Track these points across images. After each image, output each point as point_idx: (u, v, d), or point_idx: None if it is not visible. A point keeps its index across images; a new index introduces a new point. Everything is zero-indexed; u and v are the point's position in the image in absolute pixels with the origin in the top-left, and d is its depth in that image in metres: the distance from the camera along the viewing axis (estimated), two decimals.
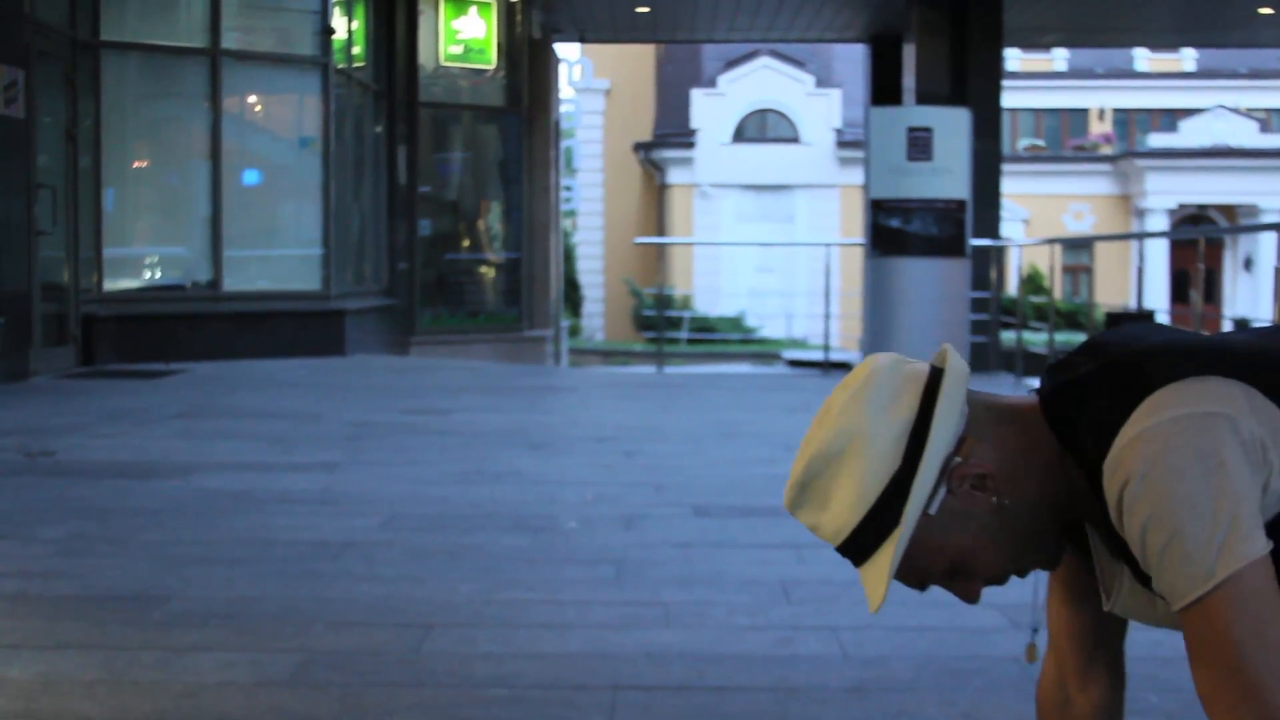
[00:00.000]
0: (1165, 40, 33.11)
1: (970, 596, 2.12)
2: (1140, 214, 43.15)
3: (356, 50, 18.22)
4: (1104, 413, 1.98)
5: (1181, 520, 1.87)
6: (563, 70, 28.50)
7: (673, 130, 42.88)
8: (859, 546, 2.05)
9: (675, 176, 42.60)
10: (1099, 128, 46.87)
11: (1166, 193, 42.81)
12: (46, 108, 13.64)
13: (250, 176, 16.63)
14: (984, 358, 16.64)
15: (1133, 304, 25.46)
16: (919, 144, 15.51)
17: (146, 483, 7.68)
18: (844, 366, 18.02)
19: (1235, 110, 44.62)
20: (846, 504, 2.03)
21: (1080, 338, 17.62)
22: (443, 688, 4.11)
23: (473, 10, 20.66)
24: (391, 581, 5.39)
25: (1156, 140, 44.41)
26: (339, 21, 17.17)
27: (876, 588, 2.04)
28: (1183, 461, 1.88)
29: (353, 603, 5.08)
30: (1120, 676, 2.36)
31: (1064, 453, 2.04)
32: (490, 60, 21.06)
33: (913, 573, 2.08)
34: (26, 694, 4.00)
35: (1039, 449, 2.06)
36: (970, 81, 18.62)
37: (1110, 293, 38.67)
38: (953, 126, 15.80)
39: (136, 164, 16.03)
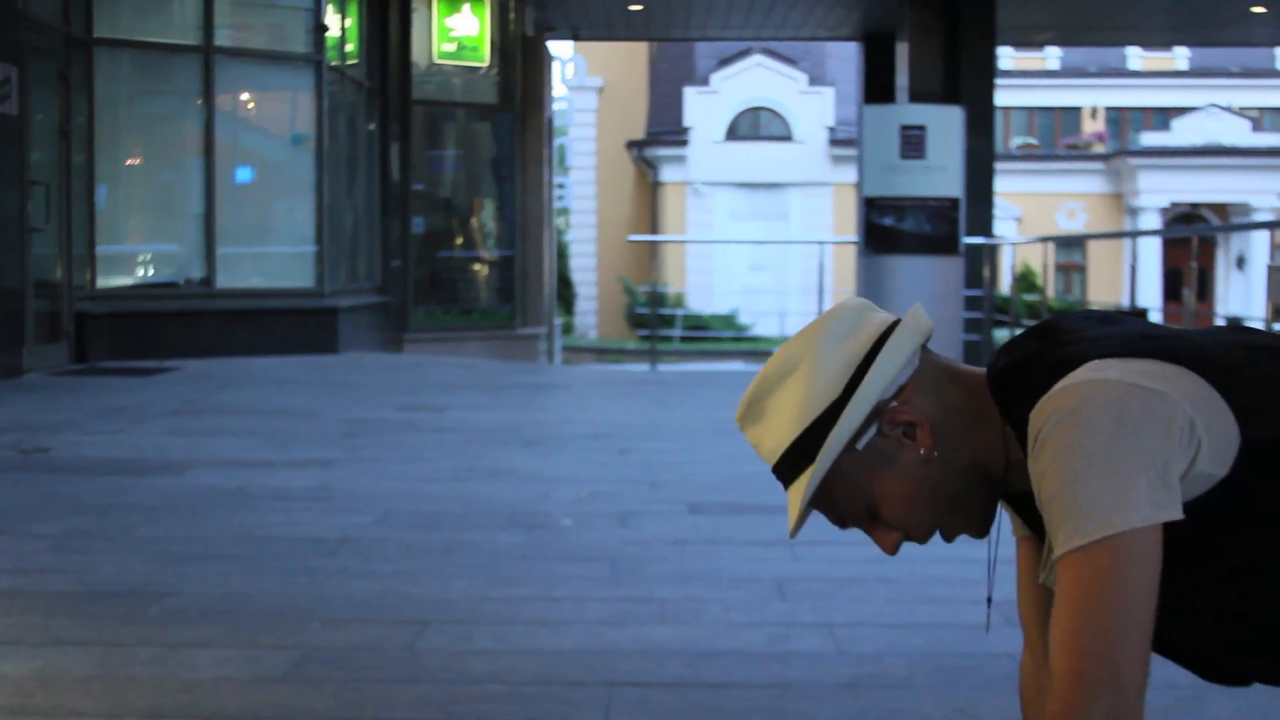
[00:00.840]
0: (1158, 39, 33.13)
1: (888, 546, 2.13)
2: (1133, 212, 43.19)
3: (350, 47, 18.22)
4: (1040, 381, 2.00)
5: (1076, 471, 1.88)
6: (556, 68, 28.55)
7: (666, 128, 42.89)
8: (788, 467, 2.08)
9: (668, 174, 42.61)
10: (1092, 126, 46.90)
11: (1159, 191, 42.85)
12: (40, 104, 13.63)
13: (243, 174, 16.63)
14: (977, 356, 16.64)
15: (1125, 302, 25.47)
16: (912, 142, 15.51)
17: (141, 479, 7.68)
18: None
19: (1228, 109, 44.67)
20: (784, 423, 2.07)
21: None
22: (438, 684, 4.12)
23: (466, 8, 20.66)
24: (387, 578, 5.39)
25: (1149, 139, 44.44)
26: (332, 19, 17.17)
27: (794, 509, 2.08)
28: (1097, 418, 1.89)
29: (348, 599, 5.08)
30: None
31: (1005, 424, 2.06)
32: (483, 58, 21.05)
33: (833, 506, 2.11)
34: (23, 690, 4.00)
35: (980, 416, 2.08)
36: (963, 80, 18.63)
37: (1103, 291, 38.69)
38: (946, 125, 15.80)
39: (130, 161, 16.01)
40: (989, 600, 2.26)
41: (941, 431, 2.07)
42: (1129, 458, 1.87)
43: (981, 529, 2.15)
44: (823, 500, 2.09)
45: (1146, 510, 1.86)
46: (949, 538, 2.16)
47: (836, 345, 2.07)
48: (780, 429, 2.08)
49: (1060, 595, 1.91)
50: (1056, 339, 2.07)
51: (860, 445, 2.05)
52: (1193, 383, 1.95)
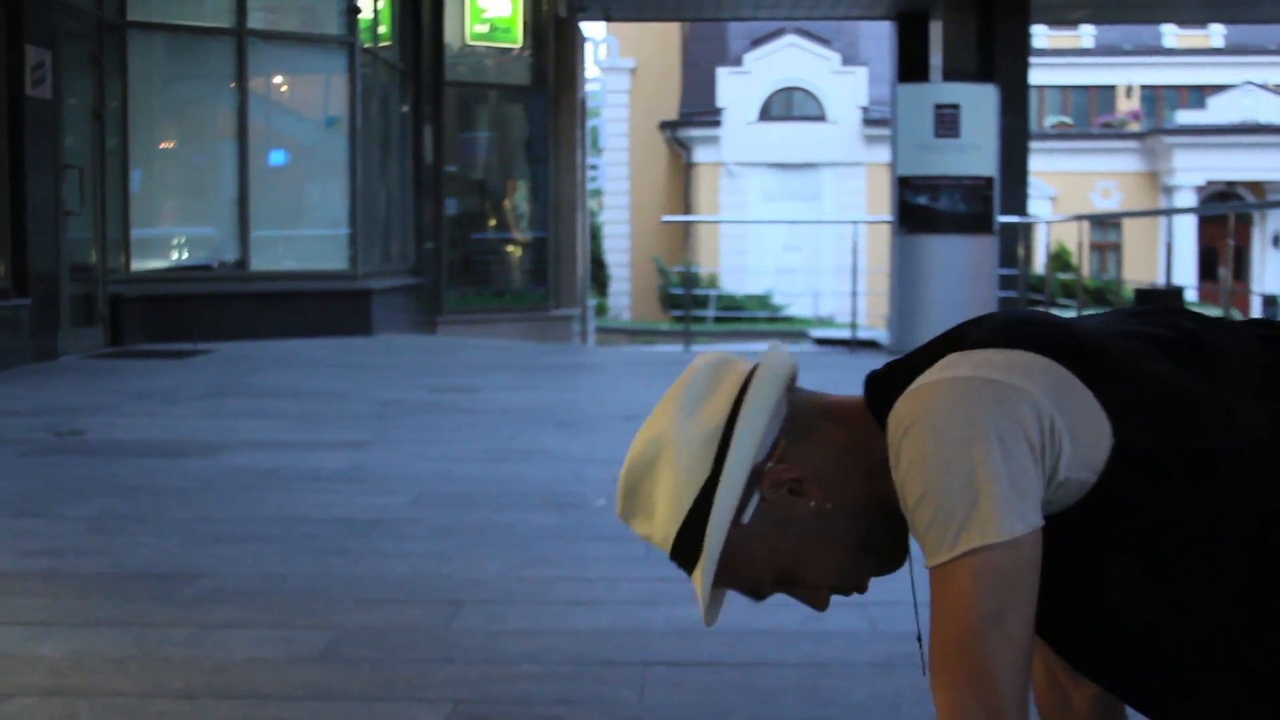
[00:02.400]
0: (1193, 16, 32.97)
1: (817, 604, 2.02)
2: (1168, 191, 42.99)
3: (382, 29, 18.22)
4: (900, 381, 1.88)
5: (933, 482, 1.77)
6: (588, 49, 28.50)
7: (698, 109, 42.84)
8: (684, 557, 1.96)
9: (701, 155, 42.57)
10: (1126, 104, 46.71)
11: (1194, 169, 42.64)
12: (73, 88, 13.67)
13: (276, 156, 16.65)
14: None
15: (1161, 281, 25.38)
16: (946, 121, 15.47)
17: (175, 461, 7.70)
18: (871, 344, 18.02)
19: (1264, 86, 44.42)
20: (665, 514, 1.95)
21: None
22: (473, 664, 4.12)
23: None
24: (420, 559, 5.39)
25: (1184, 117, 44.23)
26: (365, 1, 17.17)
27: (701, 599, 1.97)
28: (947, 423, 1.77)
29: (382, 580, 5.08)
30: None
31: (882, 437, 1.90)
32: (516, 39, 21.05)
33: (743, 582, 1.99)
34: (59, 671, 4.02)
35: (863, 446, 1.94)
36: (997, 58, 18.58)
37: (1138, 270, 38.55)
38: (980, 103, 15.76)
39: (163, 144, 16.05)
40: (919, 639, 2.03)
41: (829, 477, 1.94)
42: (982, 465, 1.75)
43: (896, 562, 2.03)
44: (730, 579, 1.98)
45: (993, 526, 1.74)
46: (869, 579, 2.04)
47: (690, 420, 1.94)
48: (661, 522, 1.96)
49: (934, 614, 1.81)
50: (933, 341, 1.95)
51: (746, 518, 1.93)
52: (1059, 377, 1.81)
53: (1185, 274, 36.86)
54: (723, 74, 42.51)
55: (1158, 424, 1.80)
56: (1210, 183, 43.03)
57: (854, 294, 17.51)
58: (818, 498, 1.93)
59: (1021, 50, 19.25)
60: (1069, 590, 1.85)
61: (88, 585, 5.01)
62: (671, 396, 1.99)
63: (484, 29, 20.67)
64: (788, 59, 42.34)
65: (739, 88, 42.32)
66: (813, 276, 36.11)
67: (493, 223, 21.63)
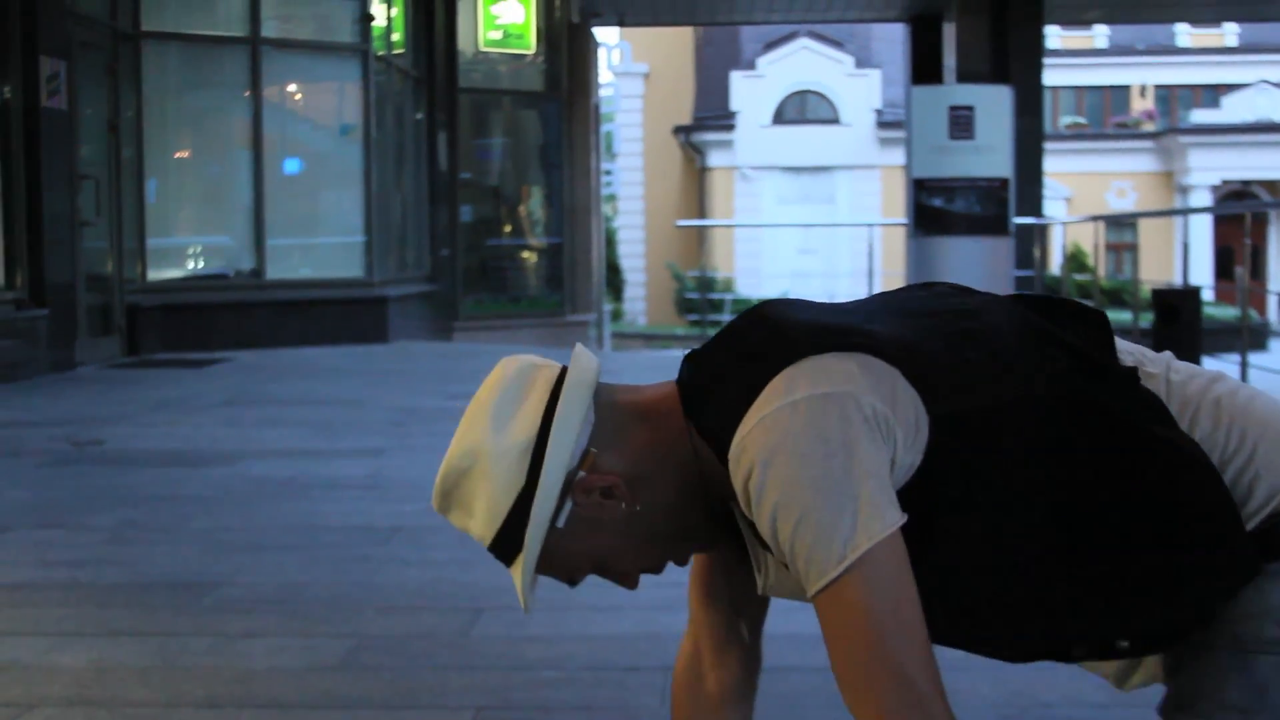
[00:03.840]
0: (1207, 15, 32.92)
1: (628, 585, 2.10)
2: (1183, 190, 42.90)
3: (396, 37, 18.24)
4: (730, 398, 1.94)
5: (806, 505, 1.82)
6: (602, 54, 28.48)
7: (712, 113, 42.81)
8: (502, 554, 2.03)
9: (715, 159, 42.54)
10: (1141, 104, 46.62)
11: (1210, 169, 42.54)
12: (88, 99, 13.70)
13: (291, 165, 16.67)
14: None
15: (1178, 281, 25.33)
16: (961, 123, 15.45)
17: (194, 470, 7.71)
18: None
19: (1278, 85, 44.31)
20: (482, 517, 2.02)
21: (1124, 315, 17.55)
22: (493, 670, 4.12)
23: None
24: (440, 566, 5.40)
25: (1199, 116, 44.13)
26: (378, 8, 17.19)
27: (520, 591, 2.04)
28: (804, 446, 1.84)
29: (402, 587, 5.09)
30: (756, 659, 2.33)
31: (699, 440, 2.00)
32: (529, 45, 21.06)
33: (560, 570, 2.07)
34: (80, 681, 4.02)
35: (672, 445, 2.02)
36: (1011, 59, 18.55)
37: (1154, 270, 38.48)
38: (995, 105, 15.73)
39: (178, 154, 16.08)
40: None
41: (638, 481, 2.01)
42: (845, 477, 1.82)
43: (714, 544, 2.13)
44: (547, 570, 2.06)
45: (876, 524, 1.82)
46: (684, 562, 2.14)
47: (503, 432, 2.01)
48: (479, 522, 2.03)
49: (831, 636, 1.85)
50: (740, 344, 2.01)
51: (561, 523, 2.00)
52: (877, 370, 1.90)
53: (1201, 273, 36.78)
54: (736, 78, 42.47)
55: (957, 391, 1.93)
56: (1225, 182, 42.94)
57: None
58: (628, 500, 2.01)
59: (1035, 51, 19.22)
60: (918, 561, 1.92)
61: (108, 595, 5.02)
62: (483, 403, 2.06)
63: (497, 35, 20.69)
64: (801, 62, 42.29)
65: (753, 91, 42.28)
66: (828, 280, 36.04)
67: (508, 229, 21.64)
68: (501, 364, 2.11)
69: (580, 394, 2.02)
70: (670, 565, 2.12)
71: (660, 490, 2.02)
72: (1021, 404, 1.94)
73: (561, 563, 2.04)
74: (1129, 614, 2.02)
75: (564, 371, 2.06)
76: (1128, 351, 2.09)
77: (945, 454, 1.91)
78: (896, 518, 1.84)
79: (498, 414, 2.03)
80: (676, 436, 2.02)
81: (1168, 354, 2.14)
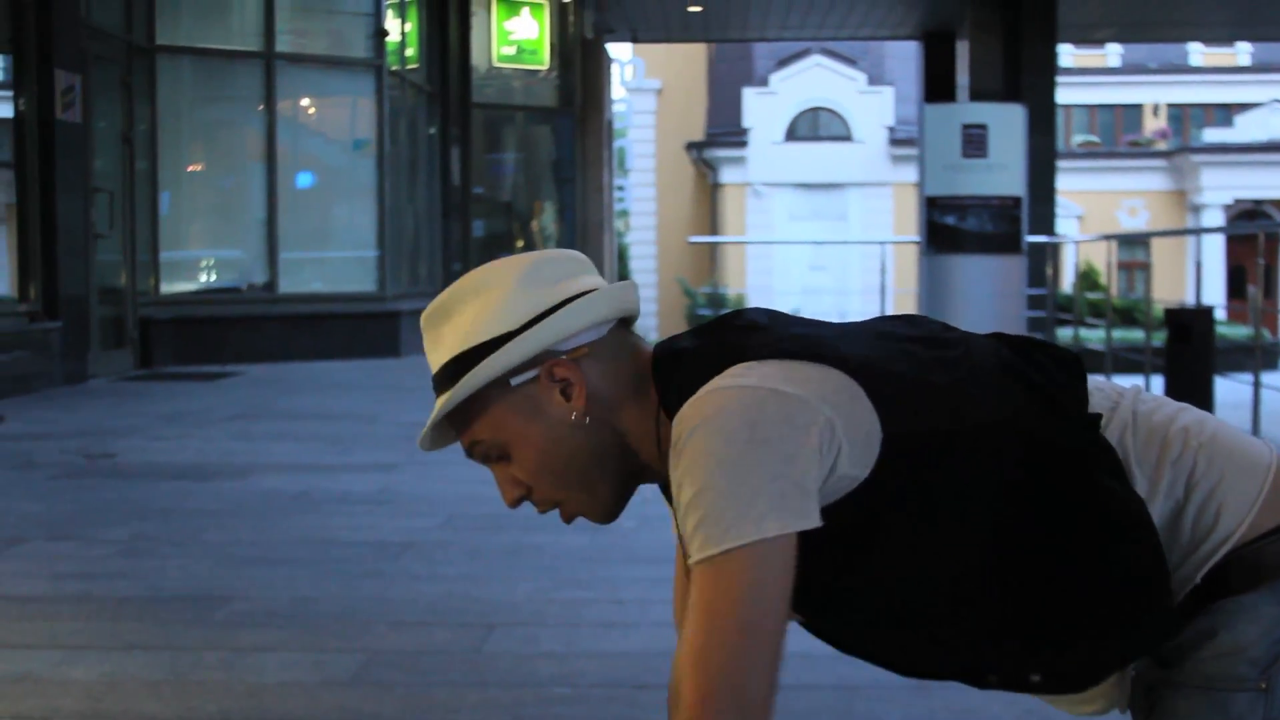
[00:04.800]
0: (1220, 34, 32.91)
1: (507, 495, 2.11)
2: (1195, 210, 42.85)
3: (410, 52, 18.27)
4: (693, 375, 1.96)
5: (709, 479, 1.84)
6: (615, 70, 28.52)
7: (725, 129, 42.81)
8: (442, 378, 2.06)
9: (727, 176, 42.53)
10: (1153, 123, 46.59)
11: (1222, 188, 42.49)
12: (103, 112, 13.73)
13: (305, 179, 16.70)
14: None
15: (1190, 300, 25.30)
16: (974, 141, 15.44)
17: (206, 484, 7.71)
18: None
19: None
20: (456, 336, 2.05)
21: (1137, 334, 17.54)
22: (505, 687, 4.12)
23: (525, 11, 20.70)
24: (452, 581, 5.40)
25: (1211, 135, 44.08)
26: (392, 24, 17.22)
27: (430, 421, 2.08)
28: (731, 425, 1.85)
29: (414, 603, 5.09)
30: None
31: (660, 412, 2.02)
32: (543, 61, 21.10)
33: (470, 427, 2.08)
34: (93, 694, 4.03)
35: (639, 398, 2.04)
36: (1024, 77, 18.54)
37: (1166, 289, 38.44)
38: (1008, 123, 15.72)
39: (192, 167, 16.11)
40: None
41: (598, 401, 2.03)
42: (761, 467, 1.83)
43: (606, 514, 2.11)
44: (462, 422, 2.08)
45: (775, 521, 1.82)
46: (567, 516, 2.12)
47: (534, 285, 2.04)
48: (450, 341, 2.06)
49: (691, 608, 1.86)
50: (723, 335, 2.04)
51: (514, 382, 2.02)
52: (838, 382, 1.92)
53: (1214, 293, 36.76)
54: (749, 94, 42.48)
55: (917, 414, 1.94)
56: (1238, 201, 42.88)
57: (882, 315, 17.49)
58: (580, 409, 2.03)
59: (1048, 69, 19.21)
60: (835, 574, 1.96)
61: (120, 608, 5.02)
62: (527, 259, 2.08)
63: (511, 51, 20.73)
64: (814, 79, 42.29)
65: (765, 108, 42.29)
66: (840, 297, 36.08)
67: (520, 244, 21.66)
68: (570, 250, 2.14)
69: (610, 302, 2.07)
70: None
71: (609, 425, 2.03)
72: (977, 434, 1.96)
73: (483, 423, 2.06)
74: (1045, 653, 2.03)
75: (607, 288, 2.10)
76: (1098, 389, 2.11)
77: (893, 471, 1.92)
78: (790, 525, 1.83)
79: (537, 269, 2.06)
80: (646, 394, 2.04)
81: (1136, 386, 2.17)
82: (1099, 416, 2.03)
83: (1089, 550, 1.96)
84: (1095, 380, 2.13)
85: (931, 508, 1.94)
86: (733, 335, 2.03)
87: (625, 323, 2.12)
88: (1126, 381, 10.97)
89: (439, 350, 2.08)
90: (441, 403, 2.05)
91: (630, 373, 2.07)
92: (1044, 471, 1.96)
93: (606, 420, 2.04)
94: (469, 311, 2.05)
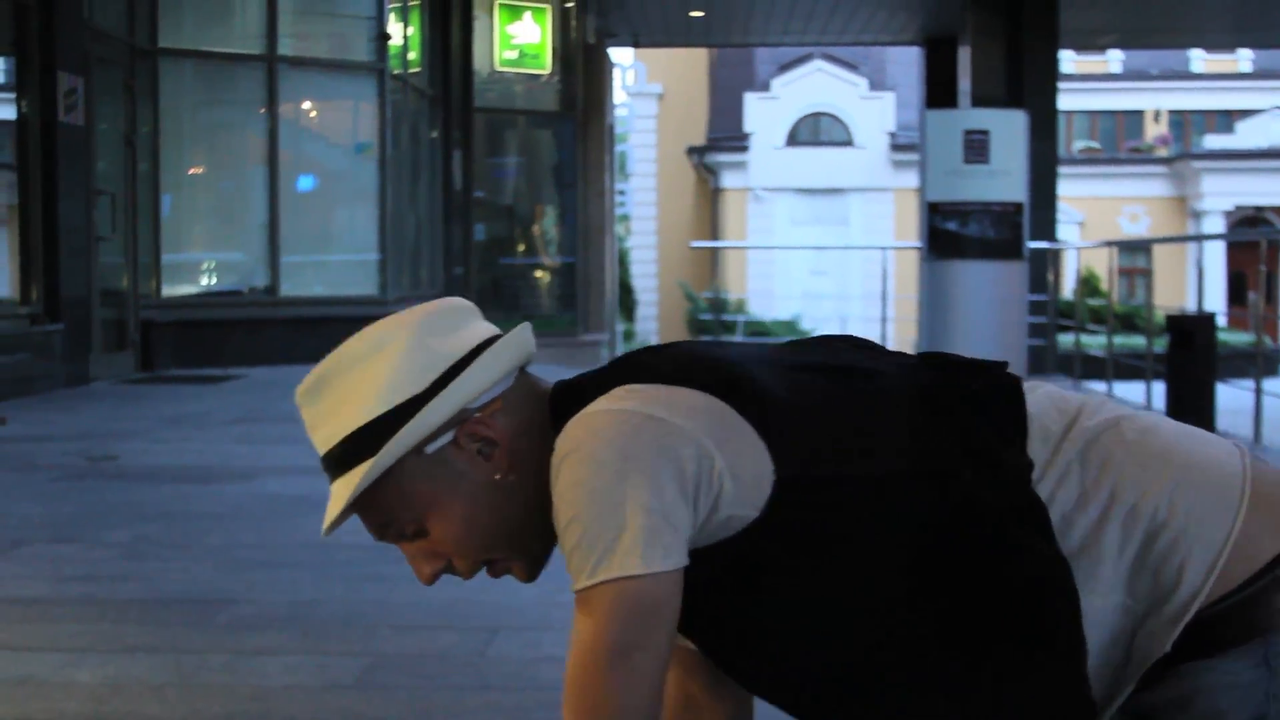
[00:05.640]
0: (1221, 41, 32.93)
1: (424, 573, 2.01)
2: (1196, 216, 42.87)
3: (412, 56, 18.28)
4: (576, 404, 1.90)
5: (584, 508, 1.78)
6: (616, 74, 28.52)
7: (726, 134, 42.83)
8: (342, 456, 1.93)
9: (728, 180, 42.55)
10: (1154, 129, 46.61)
11: (1223, 194, 42.51)
12: (105, 114, 13.73)
13: (306, 182, 16.70)
14: (1041, 361, 16.57)
15: (1190, 306, 25.30)
16: (976, 146, 15.45)
17: (208, 487, 7.71)
18: None
19: None
20: (353, 407, 1.92)
21: (1138, 340, 17.54)
22: (509, 691, 4.12)
23: (527, 15, 20.71)
24: (456, 584, 5.35)
25: (1212, 141, 44.13)
26: (394, 27, 17.23)
27: (335, 506, 1.94)
28: (603, 453, 1.78)
29: (417, 606, 5.08)
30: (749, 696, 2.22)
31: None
32: (545, 65, 21.11)
33: (379, 511, 1.96)
34: (96, 697, 4.02)
35: (549, 444, 1.91)
36: (1026, 83, 18.56)
37: (1167, 295, 38.44)
38: (1010, 129, 15.74)
39: (194, 170, 16.11)
40: None
41: (518, 457, 1.94)
42: (630, 499, 1.77)
43: (531, 573, 2.03)
44: (371, 502, 1.94)
45: (640, 559, 1.76)
46: (497, 574, 2.04)
47: (433, 339, 1.94)
48: (346, 413, 1.92)
49: (573, 637, 1.82)
50: (619, 362, 1.98)
51: (430, 450, 1.92)
52: (724, 417, 1.84)
53: (1215, 299, 36.77)
54: (750, 99, 42.51)
55: (817, 455, 1.84)
56: (1239, 207, 42.90)
57: (883, 319, 17.51)
58: (502, 468, 1.94)
59: (1050, 75, 19.22)
60: (735, 616, 1.89)
61: (123, 611, 5.02)
62: (418, 312, 1.98)
63: (513, 55, 20.74)
64: (815, 84, 42.32)
65: (766, 113, 42.31)
66: (840, 302, 36.07)
67: (521, 248, 21.68)
68: (452, 297, 2.07)
69: (514, 351, 1.98)
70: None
71: (532, 481, 1.92)
72: (884, 482, 1.85)
73: (395, 499, 1.94)
74: (954, 715, 1.89)
75: (498, 336, 2.01)
76: (1054, 405, 1.98)
77: (786, 514, 1.83)
78: (661, 563, 1.78)
79: (432, 323, 1.96)
80: (548, 438, 1.93)
81: (1094, 400, 2.02)
82: (1029, 465, 1.89)
83: (1003, 615, 1.85)
84: (1050, 393, 2.00)
85: (826, 557, 1.85)
86: (627, 361, 1.97)
87: (524, 366, 2.04)
88: (1129, 390, 10.89)
89: (328, 426, 1.95)
90: (353, 484, 1.91)
91: (539, 419, 1.97)
92: (959, 528, 1.85)
93: (529, 473, 1.93)
94: (366, 377, 1.93)
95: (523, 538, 1.98)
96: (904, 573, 1.85)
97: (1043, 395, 1.99)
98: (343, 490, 1.93)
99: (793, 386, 1.90)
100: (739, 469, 1.82)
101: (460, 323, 1.99)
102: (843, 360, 1.98)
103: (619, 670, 1.78)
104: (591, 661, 1.79)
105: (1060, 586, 1.85)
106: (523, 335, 2.00)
